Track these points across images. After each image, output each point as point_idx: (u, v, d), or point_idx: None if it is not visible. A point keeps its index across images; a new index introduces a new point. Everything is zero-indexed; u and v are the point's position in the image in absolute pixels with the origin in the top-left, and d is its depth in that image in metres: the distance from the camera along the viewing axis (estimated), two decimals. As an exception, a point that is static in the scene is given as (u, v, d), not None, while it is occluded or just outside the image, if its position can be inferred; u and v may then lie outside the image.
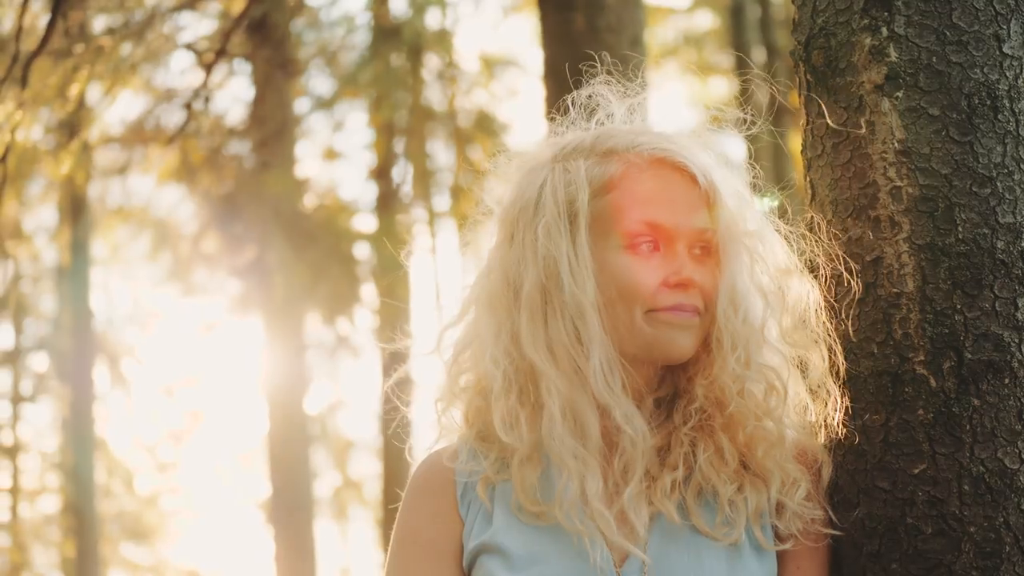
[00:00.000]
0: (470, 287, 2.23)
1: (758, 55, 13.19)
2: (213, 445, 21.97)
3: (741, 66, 11.24)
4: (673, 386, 2.16)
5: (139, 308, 19.70)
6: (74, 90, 5.15)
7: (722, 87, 16.38)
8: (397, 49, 12.34)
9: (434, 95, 14.01)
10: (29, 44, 5.28)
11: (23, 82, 4.94)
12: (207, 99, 6.75)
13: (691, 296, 2.08)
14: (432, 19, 13.76)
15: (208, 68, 6.01)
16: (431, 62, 13.58)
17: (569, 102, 2.26)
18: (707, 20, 16.63)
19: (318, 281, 12.44)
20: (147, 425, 20.51)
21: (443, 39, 13.40)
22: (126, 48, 6.44)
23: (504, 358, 2.11)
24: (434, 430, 2.23)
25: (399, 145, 14.34)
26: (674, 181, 2.10)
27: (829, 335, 2.13)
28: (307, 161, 15.06)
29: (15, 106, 4.94)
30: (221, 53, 5.83)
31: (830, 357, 2.13)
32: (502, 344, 2.12)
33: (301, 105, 14.05)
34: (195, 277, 14.67)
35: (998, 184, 2.06)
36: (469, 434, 2.19)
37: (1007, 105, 2.09)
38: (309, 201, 14.10)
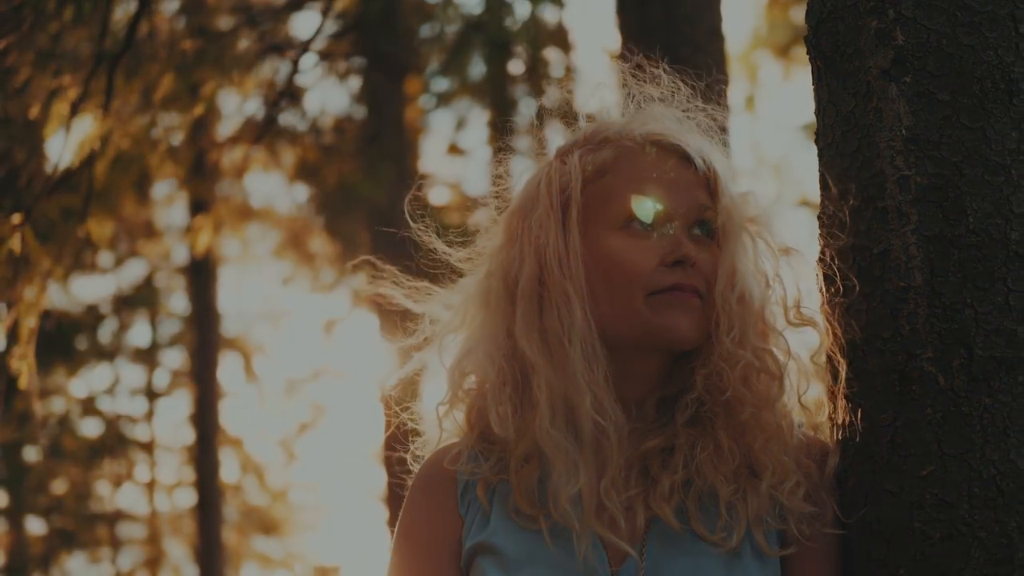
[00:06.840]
0: (471, 290, 2.21)
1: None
2: (338, 440, 22.26)
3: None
4: (680, 383, 2.11)
5: (268, 304, 20.05)
6: (160, 92, 5.23)
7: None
8: (512, 44, 12.30)
9: (552, 90, 13.95)
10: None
11: (109, 86, 5.03)
12: (292, 96, 6.81)
13: (691, 276, 2.03)
14: (550, 14, 13.72)
15: (294, 65, 6.08)
16: (549, 57, 13.52)
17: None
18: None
19: (431, 278, 12.47)
20: (276, 420, 20.83)
21: (561, 34, 13.33)
22: (221, 49, 6.53)
23: (498, 352, 2.09)
24: (435, 434, 2.22)
25: (517, 142, 14.32)
26: (669, 162, 2.07)
27: (831, 320, 2.05)
28: (429, 158, 15.13)
29: (101, 111, 5.03)
30: (304, 51, 5.89)
31: (834, 338, 2.05)
32: (499, 340, 2.10)
33: (423, 102, 14.12)
34: (315, 274, 14.86)
35: (1012, 172, 1.95)
36: (471, 436, 2.17)
37: (1023, 88, 1.98)
38: (432, 198, 14.15)
